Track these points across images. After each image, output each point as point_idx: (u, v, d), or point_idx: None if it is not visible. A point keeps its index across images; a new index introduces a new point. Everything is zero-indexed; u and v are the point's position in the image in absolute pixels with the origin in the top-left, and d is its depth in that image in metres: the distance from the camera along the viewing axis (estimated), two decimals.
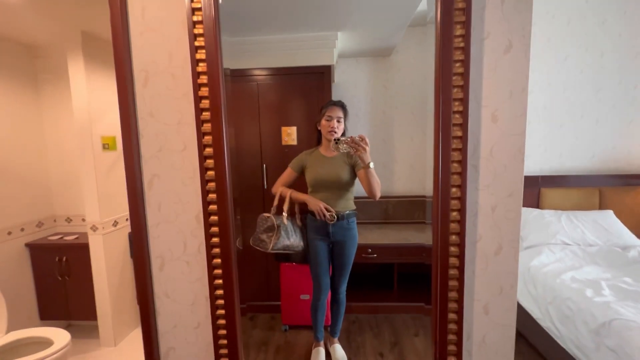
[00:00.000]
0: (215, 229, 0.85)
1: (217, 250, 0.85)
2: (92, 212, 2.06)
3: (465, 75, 0.75)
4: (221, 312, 0.88)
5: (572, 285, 1.71)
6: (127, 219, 2.30)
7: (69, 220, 2.44)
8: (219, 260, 0.86)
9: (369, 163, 1.31)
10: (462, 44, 0.74)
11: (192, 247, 0.89)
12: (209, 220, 0.84)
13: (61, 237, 2.28)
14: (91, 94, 2.02)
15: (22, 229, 2.19)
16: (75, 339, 1.66)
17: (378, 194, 1.40)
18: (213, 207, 0.84)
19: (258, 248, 1.45)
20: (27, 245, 2.20)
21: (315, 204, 1.46)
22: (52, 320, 2.26)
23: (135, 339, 2.24)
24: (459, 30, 0.74)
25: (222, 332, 0.88)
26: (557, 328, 1.65)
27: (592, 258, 2.00)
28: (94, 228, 2.07)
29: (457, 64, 0.75)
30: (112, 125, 2.19)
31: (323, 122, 1.47)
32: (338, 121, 1.45)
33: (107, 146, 2.13)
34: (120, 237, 2.24)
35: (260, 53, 1.70)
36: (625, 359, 1.29)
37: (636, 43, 2.36)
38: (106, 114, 2.14)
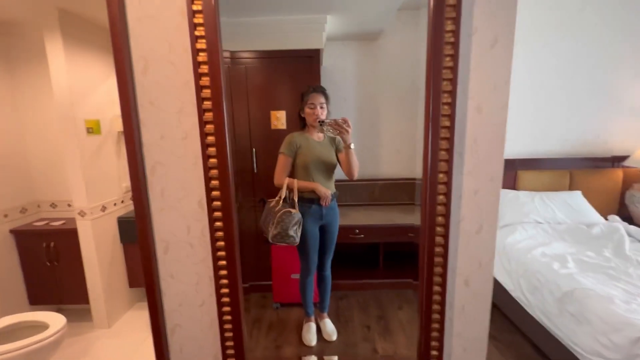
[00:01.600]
0: (218, 214, 0.89)
1: (220, 233, 0.90)
2: (79, 197, 2.04)
3: (454, 69, 0.80)
4: (225, 290, 0.94)
5: (541, 260, 1.87)
6: (114, 204, 2.28)
7: (53, 205, 2.39)
8: (222, 243, 0.90)
9: (350, 143, 1.37)
10: (452, 39, 0.79)
11: (196, 231, 0.93)
12: (212, 206, 0.89)
13: (47, 223, 2.25)
14: (71, 76, 1.94)
15: (6, 215, 2.14)
16: (68, 322, 1.69)
17: (356, 175, 1.48)
18: (216, 193, 0.87)
19: (285, 244, 1.46)
20: (12, 231, 2.16)
21: (324, 191, 1.50)
22: (42, 305, 2.27)
23: (129, 320, 2.29)
24: (449, 26, 0.79)
25: (227, 309, 0.95)
26: (527, 298, 1.82)
27: (561, 235, 2.18)
28: (82, 213, 2.05)
29: (447, 58, 0.80)
30: (96, 108, 2.12)
31: (307, 110, 1.50)
32: (321, 107, 1.48)
33: (91, 130, 2.08)
34: (110, 221, 2.23)
35: (248, 35, 1.68)
36: (584, 321, 1.46)
37: (609, 33, 2.47)
38: (89, 96, 2.07)
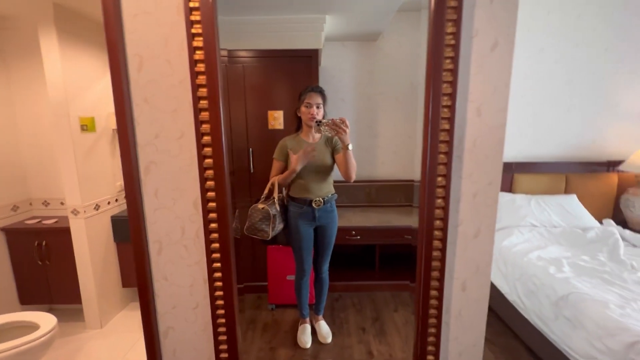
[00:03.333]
0: (213, 215, 0.87)
1: (215, 235, 0.88)
2: (73, 195, 2.01)
3: (454, 72, 0.80)
4: (219, 293, 0.92)
5: (537, 263, 1.88)
6: (108, 202, 2.25)
7: (46, 203, 2.36)
8: (217, 245, 0.89)
9: (347, 144, 1.35)
10: (452, 41, 0.79)
11: (190, 232, 0.91)
12: (207, 207, 0.87)
13: (39, 221, 2.21)
14: (66, 72, 1.91)
15: None
16: (59, 322, 1.66)
17: (353, 177, 1.45)
18: (211, 194, 0.86)
19: (256, 237, 1.46)
20: (3, 229, 2.12)
21: (300, 155, 1.43)
22: (33, 305, 2.23)
23: (122, 320, 2.26)
24: (450, 28, 0.78)
25: (221, 311, 0.93)
26: (523, 301, 1.82)
27: (556, 238, 2.19)
28: (75, 212, 2.02)
29: (447, 61, 0.79)
30: (91, 106, 2.10)
31: (302, 108, 1.49)
32: (317, 107, 1.46)
33: (85, 127, 2.05)
34: (103, 220, 2.20)
35: (246, 34, 1.66)
36: (579, 326, 1.46)
37: (607, 37, 2.48)
38: (83, 93, 2.04)
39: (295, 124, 1.58)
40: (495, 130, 0.87)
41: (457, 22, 0.78)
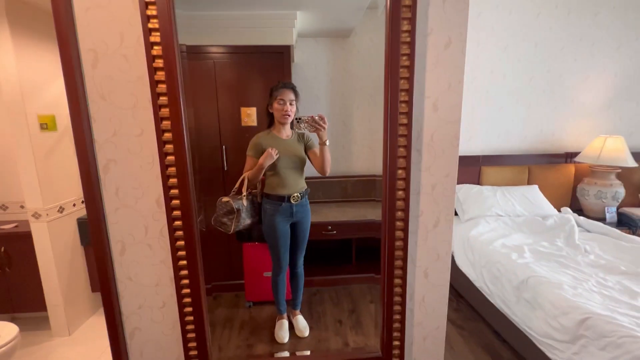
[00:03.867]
0: (177, 213, 0.87)
1: (180, 232, 0.88)
2: (33, 198, 1.91)
3: (410, 68, 0.83)
4: (186, 291, 0.91)
5: (501, 251, 1.98)
6: (74, 205, 2.16)
7: (4, 207, 2.23)
8: (182, 243, 0.88)
9: (325, 140, 1.40)
10: (408, 39, 0.82)
11: (154, 231, 0.90)
12: (170, 204, 0.86)
13: None
14: (22, 68, 1.81)
15: None
16: (23, 332, 1.58)
17: (328, 171, 1.50)
18: (174, 191, 0.85)
19: (220, 229, 1.46)
20: None
21: (266, 154, 1.45)
22: None
23: (92, 326, 2.18)
24: (405, 26, 0.81)
25: (188, 309, 0.93)
26: (489, 287, 1.92)
27: (519, 227, 2.31)
28: (37, 215, 1.92)
29: (404, 57, 0.83)
30: (51, 103, 1.99)
31: (276, 105, 1.49)
32: (290, 104, 1.47)
33: (45, 126, 1.95)
34: (68, 223, 2.11)
35: (217, 29, 1.64)
36: (537, 307, 1.56)
37: (563, 36, 2.64)
38: (42, 90, 1.94)
39: (267, 120, 1.58)
40: (451, 125, 0.92)
41: (412, 21, 0.81)
